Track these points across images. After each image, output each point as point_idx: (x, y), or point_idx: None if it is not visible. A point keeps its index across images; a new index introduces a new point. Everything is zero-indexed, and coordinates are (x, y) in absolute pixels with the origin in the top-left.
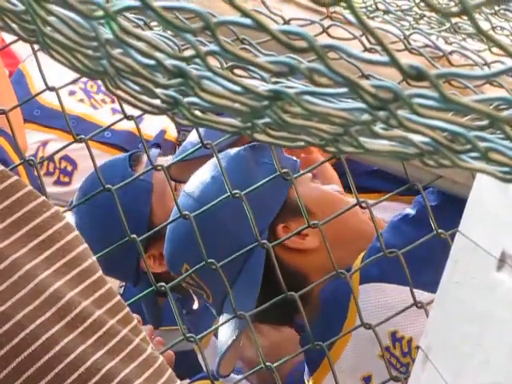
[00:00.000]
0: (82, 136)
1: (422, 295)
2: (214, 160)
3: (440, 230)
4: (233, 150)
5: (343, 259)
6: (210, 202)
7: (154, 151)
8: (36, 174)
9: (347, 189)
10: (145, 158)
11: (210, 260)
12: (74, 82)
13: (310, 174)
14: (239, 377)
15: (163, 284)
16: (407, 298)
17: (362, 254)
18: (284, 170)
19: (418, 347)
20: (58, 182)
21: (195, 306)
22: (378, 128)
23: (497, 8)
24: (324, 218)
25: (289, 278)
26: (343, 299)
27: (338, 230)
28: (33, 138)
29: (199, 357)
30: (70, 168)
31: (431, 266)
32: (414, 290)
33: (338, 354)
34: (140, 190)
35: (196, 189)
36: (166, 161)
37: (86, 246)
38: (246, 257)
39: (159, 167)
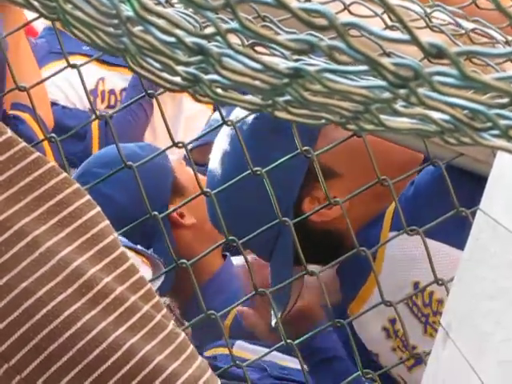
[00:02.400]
0: None
1: (451, 251)
2: (227, 131)
3: (461, 208)
4: (246, 121)
5: (375, 205)
6: (233, 177)
7: None
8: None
9: None
10: None
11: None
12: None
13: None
14: (259, 348)
15: (184, 261)
16: (434, 251)
17: (393, 206)
18: (305, 148)
19: (438, 301)
20: None
21: None
22: (399, 106)
23: None
24: (351, 175)
25: (324, 238)
26: (372, 247)
27: (368, 179)
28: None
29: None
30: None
31: (460, 222)
32: (443, 245)
33: (368, 293)
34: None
35: (218, 164)
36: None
37: (107, 222)
38: (277, 229)
39: (180, 144)
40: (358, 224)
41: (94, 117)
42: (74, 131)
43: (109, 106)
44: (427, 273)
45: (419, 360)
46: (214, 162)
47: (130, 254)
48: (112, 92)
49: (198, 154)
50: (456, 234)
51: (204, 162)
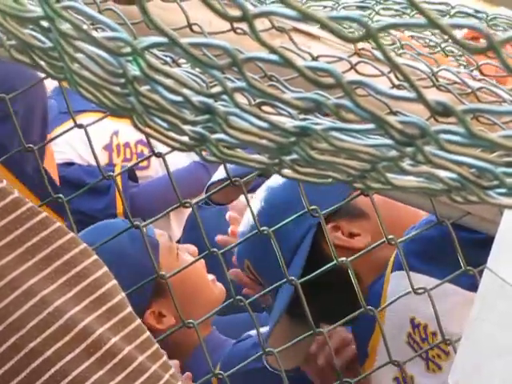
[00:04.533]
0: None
1: (456, 290)
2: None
3: (468, 267)
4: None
5: (390, 255)
6: (277, 206)
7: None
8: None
9: None
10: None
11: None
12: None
13: None
14: None
15: (192, 321)
16: (435, 289)
17: (395, 253)
18: (312, 207)
19: (432, 333)
20: (136, 167)
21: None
22: (406, 164)
23: None
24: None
25: (337, 274)
26: (377, 297)
27: (392, 231)
28: (102, 127)
29: None
30: (146, 151)
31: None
32: (435, 281)
33: (375, 348)
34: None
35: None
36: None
37: (115, 282)
38: (292, 254)
39: (187, 204)
40: (375, 271)
41: (114, 169)
42: (87, 187)
43: (125, 160)
44: (422, 307)
45: None
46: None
47: None
48: (127, 145)
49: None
50: (450, 271)
51: (222, 202)
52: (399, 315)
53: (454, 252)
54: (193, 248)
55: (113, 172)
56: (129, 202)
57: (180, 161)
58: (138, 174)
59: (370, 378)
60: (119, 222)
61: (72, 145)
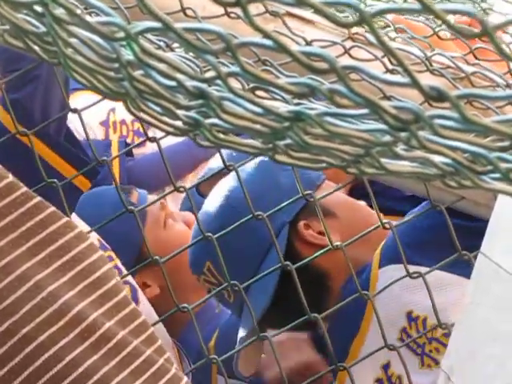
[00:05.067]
0: None
1: (446, 276)
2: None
3: (464, 252)
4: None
5: (363, 255)
6: (239, 203)
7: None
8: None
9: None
10: (135, 190)
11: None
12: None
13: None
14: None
15: (186, 305)
16: (428, 278)
17: (381, 246)
18: (307, 192)
19: (433, 327)
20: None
21: (217, 310)
22: (400, 149)
23: None
24: (346, 221)
25: (310, 274)
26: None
27: (358, 230)
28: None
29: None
30: (142, 129)
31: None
32: (438, 272)
33: (360, 343)
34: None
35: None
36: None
37: (110, 266)
38: (264, 254)
39: (181, 188)
40: (346, 271)
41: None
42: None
43: (121, 137)
44: (420, 300)
45: None
46: (213, 204)
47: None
48: (123, 122)
49: (204, 185)
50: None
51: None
52: (391, 311)
53: (447, 241)
54: (189, 216)
55: (110, 145)
56: (125, 175)
57: (175, 138)
58: (134, 151)
59: (346, 381)
60: (111, 189)
61: (69, 119)
